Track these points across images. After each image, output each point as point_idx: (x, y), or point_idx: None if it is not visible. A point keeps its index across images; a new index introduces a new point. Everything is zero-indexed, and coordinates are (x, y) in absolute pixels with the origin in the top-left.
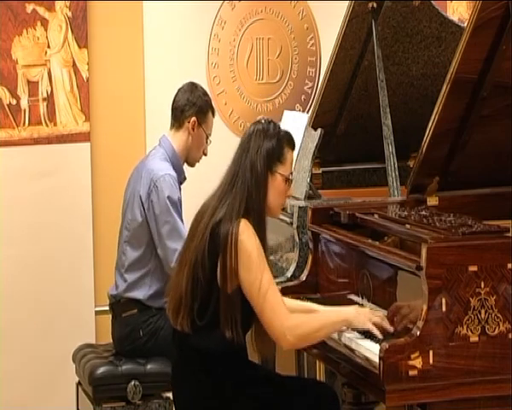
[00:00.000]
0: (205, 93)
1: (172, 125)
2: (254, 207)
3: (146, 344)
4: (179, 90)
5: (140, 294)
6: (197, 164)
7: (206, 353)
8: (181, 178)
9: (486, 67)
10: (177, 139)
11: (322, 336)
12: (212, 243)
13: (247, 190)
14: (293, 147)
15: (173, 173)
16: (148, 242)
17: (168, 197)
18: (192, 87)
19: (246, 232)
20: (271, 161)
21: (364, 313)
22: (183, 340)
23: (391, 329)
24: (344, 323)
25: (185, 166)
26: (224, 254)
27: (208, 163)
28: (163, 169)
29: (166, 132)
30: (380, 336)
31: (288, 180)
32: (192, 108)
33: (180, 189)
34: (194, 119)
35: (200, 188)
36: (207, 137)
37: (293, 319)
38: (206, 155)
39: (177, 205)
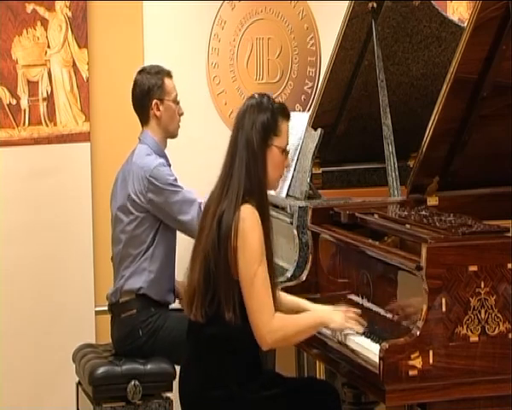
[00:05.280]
0: (149, 71)
1: (142, 123)
2: (254, 182)
3: (145, 344)
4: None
5: (140, 281)
6: (198, 164)
7: (217, 342)
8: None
9: (486, 67)
10: (153, 129)
11: (300, 339)
12: (220, 234)
13: (245, 167)
14: (287, 118)
15: (162, 160)
16: (145, 238)
17: (167, 183)
18: (137, 77)
19: (248, 220)
20: (267, 134)
21: (339, 315)
22: (196, 331)
23: (364, 323)
24: (321, 325)
25: (185, 169)
26: (229, 244)
27: (208, 163)
28: (152, 162)
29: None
30: (360, 330)
31: (284, 151)
32: (147, 94)
33: None
34: (154, 102)
35: (200, 189)
36: (174, 101)
37: (275, 323)
38: (182, 114)
39: (176, 181)
